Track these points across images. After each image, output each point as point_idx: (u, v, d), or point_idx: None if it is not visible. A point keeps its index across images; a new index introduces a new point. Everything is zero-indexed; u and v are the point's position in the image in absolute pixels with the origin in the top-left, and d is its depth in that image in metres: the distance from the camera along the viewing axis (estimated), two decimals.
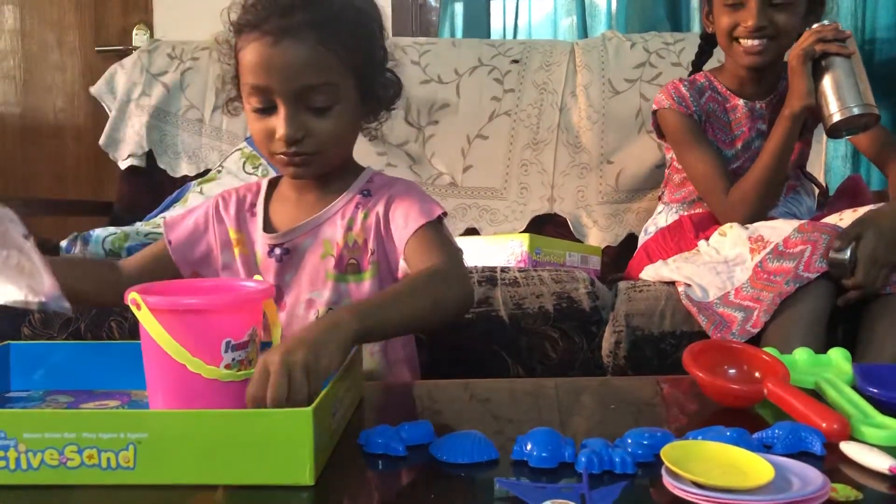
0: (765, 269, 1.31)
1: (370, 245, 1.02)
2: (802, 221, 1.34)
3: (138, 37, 2.68)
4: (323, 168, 1.02)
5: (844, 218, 1.40)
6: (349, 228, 1.03)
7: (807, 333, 1.24)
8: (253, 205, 1.08)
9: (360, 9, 1.02)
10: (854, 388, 0.82)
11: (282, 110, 0.96)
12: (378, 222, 1.02)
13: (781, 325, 1.26)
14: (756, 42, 1.52)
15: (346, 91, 0.99)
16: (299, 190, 1.07)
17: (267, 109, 0.97)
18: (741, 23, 1.51)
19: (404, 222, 0.99)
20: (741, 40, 1.53)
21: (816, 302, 1.27)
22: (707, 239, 1.51)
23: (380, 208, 1.02)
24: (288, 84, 0.95)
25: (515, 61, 2.13)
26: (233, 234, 1.07)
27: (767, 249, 1.33)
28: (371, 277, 1.03)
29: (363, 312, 0.80)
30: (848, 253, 1.25)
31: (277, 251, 1.04)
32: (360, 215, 1.03)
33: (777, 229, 1.36)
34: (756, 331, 1.26)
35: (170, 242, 1.08)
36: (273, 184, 1.11)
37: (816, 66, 1.42)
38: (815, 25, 1.44)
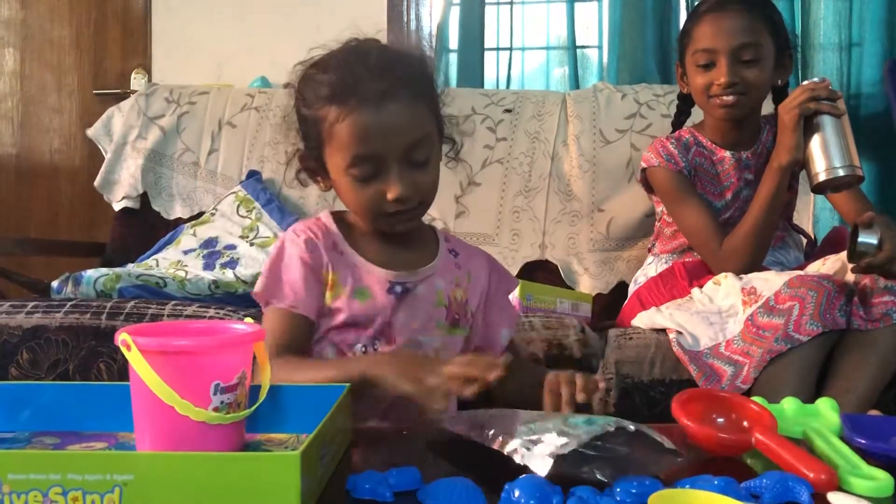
0: (755, 324, 1.32)
1: (474, 304, 1.10)
2: (792, 275, 1.36)
3: (136, 81, 2.70)
4: (420, 218, 1.06)
5: (828, 263, 1.42)
6: (457, 285, 1.08)
7: (798, 384, 1.25)
8: (335, 244, 1.06)
9: (425, 59, 1.08)
10: (842, 438, 0.83)
11: (393, 171, 0.98)
12: (483, 291, 1.11)
13: (772, 375, 1.26)
14: (730, 97, 1.57)
15: (436, 138, 1.04)
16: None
17: (373, 175, 0.98)
18: (714, 80, 1.58)
19: (505, 320, 1.13)
20: (716, 97, 1.59)
21: (807, 356, 1.28)
22: (701, 287, 1.52)
23: (482, 276, 1.12)
24: (398, 145, 0.97)
25: (508, 110, 2.17)
26: (329, 276, 1.04)
27: (759, 303, 1.34)
28: (463, 334, 1.09)
29: None
30: (877, 236, 1.26)
31: (398, 289, 1.05)
32: (465, 276, 1.09)
33: (769, 282, 1.37)
34: (746, 387, 1.27)
35: (294, 307, 1.02)
36: (335, 220, 1.08)
37: (806, 122, 1.45)
38: (806, 82, 1.48)
